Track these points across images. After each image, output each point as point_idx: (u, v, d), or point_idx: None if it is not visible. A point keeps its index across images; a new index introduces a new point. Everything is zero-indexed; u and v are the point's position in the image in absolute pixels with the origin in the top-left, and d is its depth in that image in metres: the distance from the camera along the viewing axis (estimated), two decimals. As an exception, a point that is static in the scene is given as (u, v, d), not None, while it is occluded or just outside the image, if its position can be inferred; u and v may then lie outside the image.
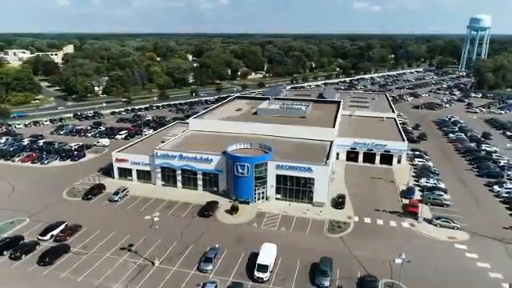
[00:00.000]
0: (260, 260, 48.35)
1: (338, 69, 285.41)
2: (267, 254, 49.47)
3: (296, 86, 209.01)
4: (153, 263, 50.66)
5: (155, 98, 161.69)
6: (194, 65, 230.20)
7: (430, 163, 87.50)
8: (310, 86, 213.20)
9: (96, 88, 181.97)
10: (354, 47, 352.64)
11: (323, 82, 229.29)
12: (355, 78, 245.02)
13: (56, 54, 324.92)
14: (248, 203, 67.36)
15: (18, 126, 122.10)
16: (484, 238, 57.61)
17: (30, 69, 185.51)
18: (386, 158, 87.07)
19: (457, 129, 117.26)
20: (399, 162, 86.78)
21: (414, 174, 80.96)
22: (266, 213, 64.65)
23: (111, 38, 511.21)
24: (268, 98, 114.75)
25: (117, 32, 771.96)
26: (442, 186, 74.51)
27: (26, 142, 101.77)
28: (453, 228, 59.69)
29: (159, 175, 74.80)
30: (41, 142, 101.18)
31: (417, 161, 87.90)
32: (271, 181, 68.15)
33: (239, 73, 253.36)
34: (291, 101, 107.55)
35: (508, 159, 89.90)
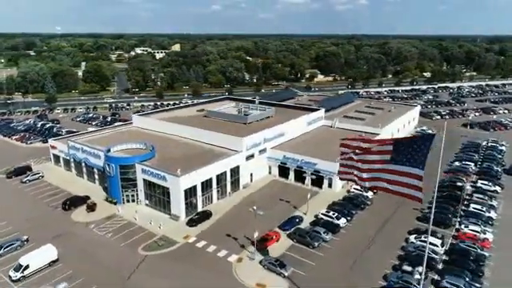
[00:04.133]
0: (20, 259, 47.98)
1: (428, 74, 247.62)
2: (34, 255, 48.70)
3: (350, 91, 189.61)
4: (-34, 242, 55.17)
5: (186, 95, 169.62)
6: (258, 65, 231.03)
7: (369, 193, 70.33)
8: (368, 92, 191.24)
9: (159, 83, 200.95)
10: (460, 50, 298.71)
11: (389, 88, 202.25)
12: (436, 87, 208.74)
13: (162, 52, 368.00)
14: (115, 203, 66.42)
15: (57, 111, 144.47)
16: (301, 295, 44.58)
17: (99, 64, 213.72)
18: (318, 180, 73.70)
19: (476, 157, 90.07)
20: (330, 185, 72.39)
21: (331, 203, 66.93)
22: (117, 216, 62.80)
23: (239, 38, 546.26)
24: (254, 101, 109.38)
25: (255, 33, 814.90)
26: (339, 222, 59.57)
27: (39, 124, 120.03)
28: (279, 274, 47.79)
29: (72, 165, 79.67)
30: (46, 126, 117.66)
31: (353, 188, 71.83)
32: (140, 185, 65.64)
33: (307, 75, 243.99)
34: (258, 105, 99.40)
35: (490, 208, 65.76)
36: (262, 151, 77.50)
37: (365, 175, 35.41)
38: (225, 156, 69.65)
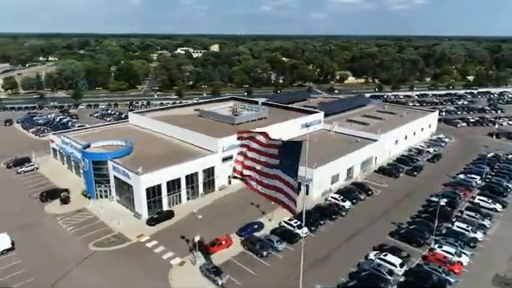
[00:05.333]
0: (-27, 245, 50.68)
1: (471, 78, 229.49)
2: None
3: (376, 94, 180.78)
4: None
5: (204, 95, 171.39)
6: (286, 65, 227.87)
7: (347, 203, 65.73)
8: (397, 96, 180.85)
9: (184, 82, 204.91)
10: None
11: (420, 92, 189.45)
12: (475, 91, 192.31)
13: (200, 52, 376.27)
14: (89, 198, 68.11)
15: (80, 107, 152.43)
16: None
17: (130, 62, 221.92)
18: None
19: (487, 169, 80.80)
20: (307, 192, 68.83)
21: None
22: (86, 211, 64.24)
23: (285, 39, 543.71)
24: (257, 102, 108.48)
25: (304, 34, 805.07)
26: (300, 231, 56.24)
27: (57, 119, 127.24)
28: (214, 281, 46.00)
29: (65, 159, 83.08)
30: (63, 120, 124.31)
31: (330, 197, 67.72)
32: (112, 181, 66.70)
33: (337, 76, 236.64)
34: (254, 106, 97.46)
35: (479, 228, 58.77)
36: (243, 153, 75.50)
37: (252, 174, 33.45)
38: (197, 156, 68.81)
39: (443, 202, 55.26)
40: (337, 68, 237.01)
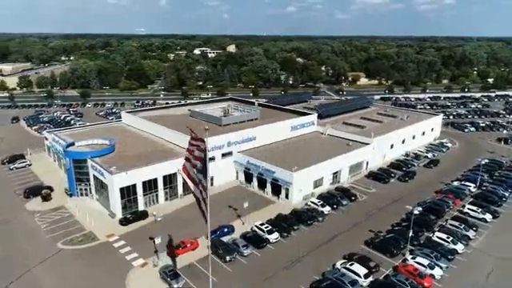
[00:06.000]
0: None
1: (491, 80, 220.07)
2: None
3: (385, 96, 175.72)
4: None
5: (209, 94, 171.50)
6: (297, 66, 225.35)
7: (326, 209, 63.60)
8: (407, 98, 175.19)
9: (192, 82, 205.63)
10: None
11: (433, 95, 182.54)
12: (493, 95, 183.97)
13: (214, 53, 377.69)
14: (71, 196, 68.82)
15: (88, 105, 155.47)
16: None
17: (141, 62, 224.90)
18: (277, 189, 69.04)
19: (485, 177, 76.69)
20: (287, 196, 67.14)
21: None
22: (63, 208, 64.83)
23: (307, 39, 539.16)
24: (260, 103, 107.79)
25: (328, 35, 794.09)
26: (270, 236, 54.75)
27: (62, 116, 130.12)
28: (169, 285, 45.21)
29: (56, 156, 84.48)
30: (67, 118, 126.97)
31: (310, 201, 65.74)
32: (92, 180, 67.13)
33: (350, 77, 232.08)
34: (248, 107, 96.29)
35: (461, 239, 55.61)
36: (226, 155, 74.61)
37: (190, 173, 33.23)
38: (176, 156, 68.27)
39: (417, 210, 52.33)
40: (350, 69, 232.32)
